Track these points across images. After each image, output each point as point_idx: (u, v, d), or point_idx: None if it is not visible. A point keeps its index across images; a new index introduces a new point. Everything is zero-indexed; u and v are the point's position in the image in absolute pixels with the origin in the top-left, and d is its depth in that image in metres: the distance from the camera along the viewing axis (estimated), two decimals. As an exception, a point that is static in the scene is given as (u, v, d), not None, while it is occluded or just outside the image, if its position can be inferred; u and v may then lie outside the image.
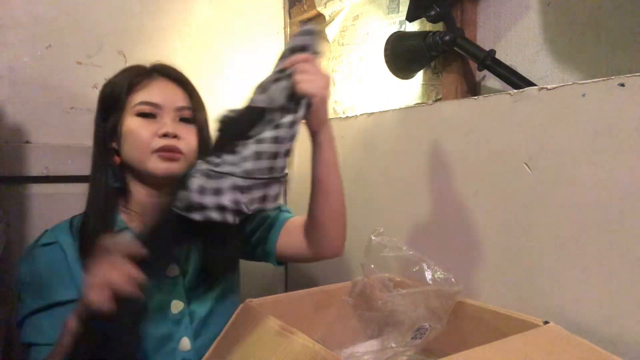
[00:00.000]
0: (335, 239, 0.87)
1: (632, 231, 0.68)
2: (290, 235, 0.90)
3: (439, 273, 0.78)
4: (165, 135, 0.81)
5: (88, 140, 1.18)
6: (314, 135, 0.82)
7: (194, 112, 0.86)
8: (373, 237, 0.83)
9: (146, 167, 0.81)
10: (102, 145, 0.85)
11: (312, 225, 0.86)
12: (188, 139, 0.84)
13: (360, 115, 1.17)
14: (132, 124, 0.82)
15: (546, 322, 0.69)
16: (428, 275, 0.78)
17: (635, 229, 0.68)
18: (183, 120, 0.85)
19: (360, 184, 1.16)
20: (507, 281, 0.84)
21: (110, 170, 0.84)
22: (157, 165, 0.81)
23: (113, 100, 0.84)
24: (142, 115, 0.82)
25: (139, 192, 0.85)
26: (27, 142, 1.11)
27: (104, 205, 0.83)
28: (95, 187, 0.84)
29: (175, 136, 0.82)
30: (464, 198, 0.91)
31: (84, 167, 1.14)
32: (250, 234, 0.94)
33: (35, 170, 1.10)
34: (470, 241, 0.90)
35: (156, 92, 0.83)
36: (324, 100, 0.77)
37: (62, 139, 1.15)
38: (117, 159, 0.84)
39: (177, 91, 0.86)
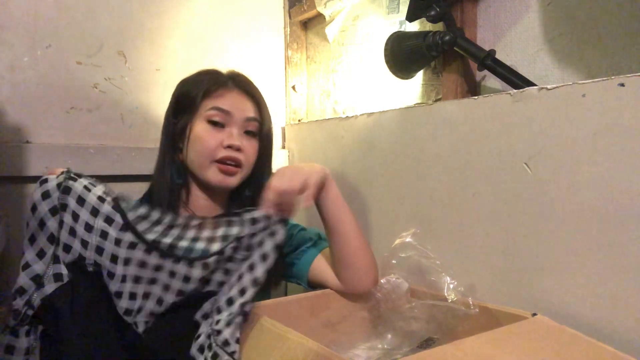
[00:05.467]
0: (361, 275, 0.86)
1: (631, 231, 0.68)
2: (325, 264, 0.91)
3: (460, 289, 0.78)
4: (229, 147, 0.85)
5: (88, 140, 1.20)
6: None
7: (260, 126, 0.91)
8: (404, 234, 0.84)
9: (204, 174, 0.86)
10: (171, 142, 0.90)
11: (336, 262, 0.88)
12: (249, 153, 0.89)
13: (360, 115, 1.17)
14: (201, 129, 0.86)
15: (534, 314, 0.70)
16: (447, 290, 0.78)
17: (635, 229, 0.68)
18: (248, 132, 0.89)
19: (360, 184, 1.16)
20: (506, 280, 0.84)
21: (174, 167, 0.89)
22: (215, 176, 0.86)
23: (188, 101, 0.88)
24: (212, 122, 0.86)
25: (197, 193, 0.91)
26: (27, 142, 1.11)
27: (168, 199, 0.88)
28: (160, 181, 0.89)
29: (238, 149, 0.86)
30: (464, 198, 0.91)
31: (84, 167, 1.15)
32: (288, 252, 0.95)
33: (35, 170, 1.10)
34: (470, 240, 0.90)
35: (229, 101, 0.88)
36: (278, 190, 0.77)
37: (62, 139, 1.15)
38: (179, 157, 0.89)
39: (247, 103, 0.90)
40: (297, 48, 1.54)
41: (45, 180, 0.71)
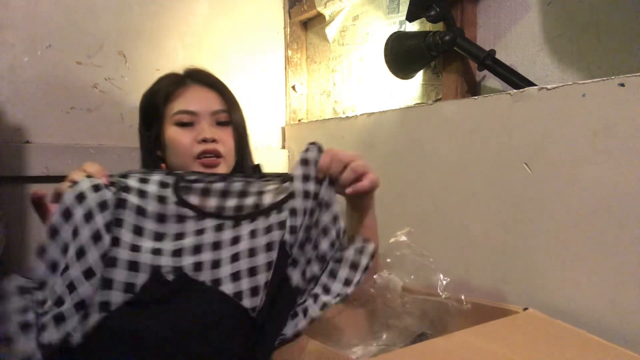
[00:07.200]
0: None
1: (631, 231, 0.68)
2: None
3: (452, 285, 0.78)
4: (204, 141, 0.84)
5: (88, 140, 1.20)
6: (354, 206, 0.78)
7: (229, 114, 0.89)
8: (399, 233, 0.84)
9: None
10: (149, 153, 0.90)
11: None
12: (226, 141, 0.87)
13: (360, 115, 1.17)
14: (172, 133, 0.86)
15: (526, 309, 0.70)
16: (440, 287, 0.78)
17: (635, 229, 0.68)
18: (219, 123, 0.88)
19: (360, 184, 1.16)
20: (506, 280, 0.84)
21: None
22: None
23: (152, 111, 0.88)
24: (181, 124, 0.86)
25: None
26: (27, 142, 1.11)
27: None
28: None
29: (213, 140, 0.85)
30: (464, 197, 0.91)
31: (84, 167, 1.15)
32: None
33: (35, 170, 1.10)
34: (470, 240, 0.90)
35: (191, 100, 0.87)
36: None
37: (62, 139, 1.15)
38: (163, 166, 0.89)
39: (211, 95, 0.89)
40: (297, 48, 1.54)
41: (97, 188, 0.63)
